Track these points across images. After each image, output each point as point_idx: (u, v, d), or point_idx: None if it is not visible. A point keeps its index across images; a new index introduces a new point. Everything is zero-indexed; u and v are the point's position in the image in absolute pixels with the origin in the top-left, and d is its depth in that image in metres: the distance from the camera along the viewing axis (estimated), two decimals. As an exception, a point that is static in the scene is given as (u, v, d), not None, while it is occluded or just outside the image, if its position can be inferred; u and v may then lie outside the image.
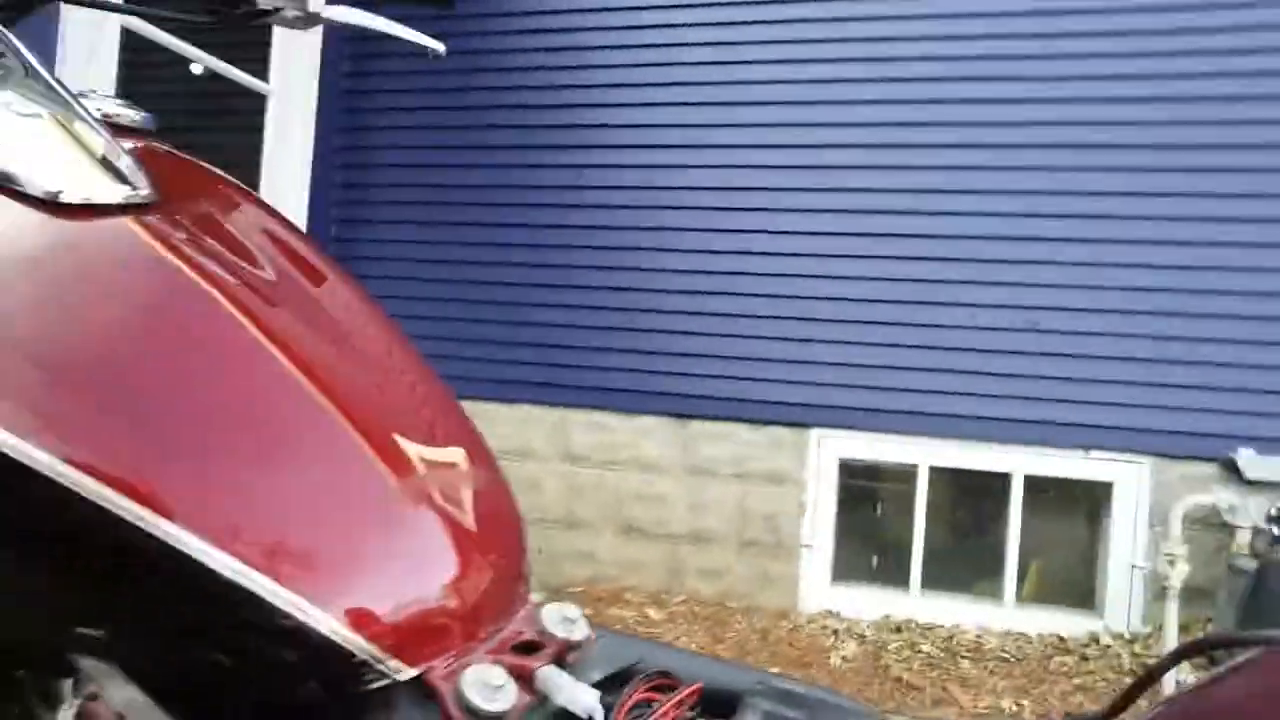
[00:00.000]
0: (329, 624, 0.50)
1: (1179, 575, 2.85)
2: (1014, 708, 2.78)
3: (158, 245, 0.58)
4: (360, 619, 0.51)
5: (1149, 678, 0.62)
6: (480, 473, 0.67)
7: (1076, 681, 2.92)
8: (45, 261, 0.55)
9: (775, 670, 0.65)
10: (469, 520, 0.61)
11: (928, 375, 3.40)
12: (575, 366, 3.71)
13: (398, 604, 0.53)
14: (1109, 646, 3.10)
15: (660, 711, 0.61)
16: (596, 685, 0.61)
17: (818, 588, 3.51)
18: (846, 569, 3.57)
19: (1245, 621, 0.84)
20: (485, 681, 0.54)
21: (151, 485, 0.48)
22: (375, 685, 0.53)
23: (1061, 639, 3.18)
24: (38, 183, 0.58)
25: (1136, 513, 3.22)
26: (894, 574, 3.51)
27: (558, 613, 0.64)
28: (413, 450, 0.59)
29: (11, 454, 0.46)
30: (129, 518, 0.46)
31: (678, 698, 0.63)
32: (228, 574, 0.47)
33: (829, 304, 3.53)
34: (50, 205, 0.58)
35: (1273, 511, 0.91)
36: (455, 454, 0.65)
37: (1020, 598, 3.38)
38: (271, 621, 0.49)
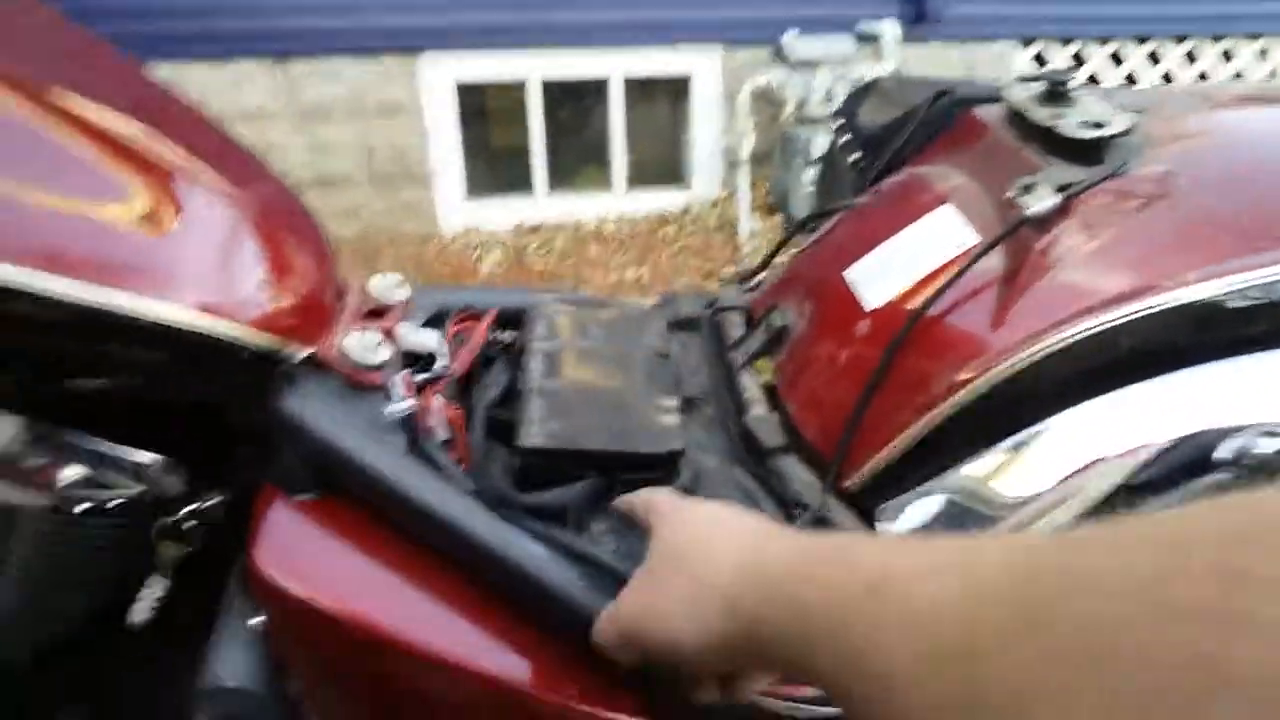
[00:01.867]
0: (239, 330, 0.61)
1: (747, 146, 3.48)
2: (635, 276, 3.38)
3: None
4: (260, 319, 0.63)
5: (782, 243, 0.94)
6: (275, 184, 0.75)
7: (679, 245, 3.59)
8: None
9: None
10: (294, 223, 0.72)
11: (530, -14, 3.45)
12: (149, 12, 3.18)
13: (278, 301, 0.65)
14: (699, 213, 3.79)
15: (476, 334, 0.82)
16: (423, 327, 0.80)
17: (454, 208, 3.73)
18: (478, 186, 3.81)
19: (820, 194, 1.18)
20: (365, 344, 0.70)
21: (42, 248, 0.53)
22: (279, 370, 0.66)
23: (663, 214, 3.80)
24: None
25: (712, 97, 3.75)
26: (520, 183, 3.82)
27: (382, 282, 0.79)
28: (226, 177, 0.66)
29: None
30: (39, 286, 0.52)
31: (485, 322, 0.84)
32: (141, 313, 0.55)
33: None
34: None
35: (835, 108, 1.24)
36: (254, 172, 0.72)
37: (628, 185, 3.89)
38: (200, 343, 0.59)
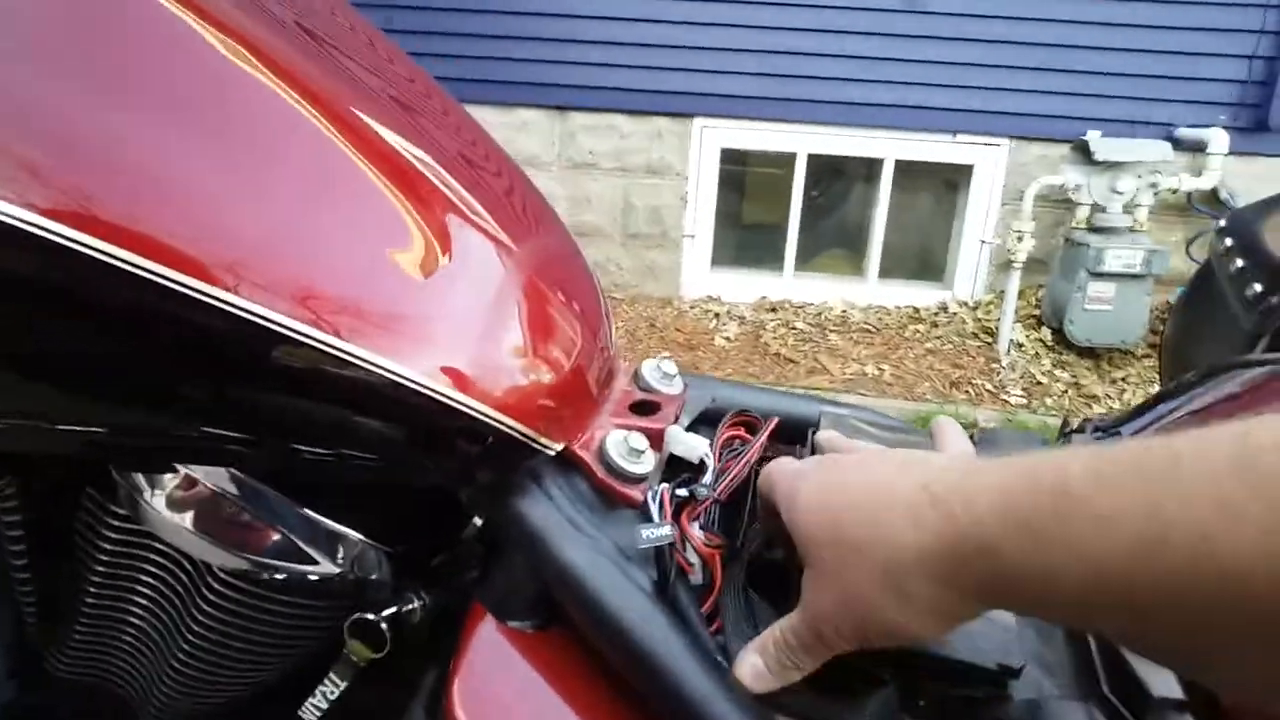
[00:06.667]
0: (494, 414, 0.50)
1: (1024, 249, 3.16)
2: (876, 372, 3.14)
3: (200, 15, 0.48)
4: (513, 404, 0.51)
5: (1166, 392, 0.72)
6: (560, 242, 0.64)
7: (928, 345, 3.31)
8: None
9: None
10: (568, 293, 0.60)
11: (813, 60, 3.36)
12: (444, 55, 3.41)
13: (537, 385, 0.54)
14: (955, 314, 3.49)
15: (753, 448, 0.67)
16: (689, 428, 0.66)
17: (699, 275, 3.68)
18: (723, 256, 3.74)
19: (1183, 328, 0.94)
20: (630, 449, 0.57)
21: (304, 300, 0.44)
22: (523, 465, 0.54)
23: (916, 309, 3.54)
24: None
25: (991, 192, 3.47)
26: (769, 258, 3.71)
27: (656, 369, 0.66)
28: (513, 234, 0.56)
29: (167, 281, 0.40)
30: (303, 337, 0.43)
31: (763, 434, 0.68)
32: (406, 384, 0.46)
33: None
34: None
35: (1221, 223, 0.99)
36: (542, 230, 0.62)
37: (880, 274, 3.67)
38: (439, 419, 0.48)
